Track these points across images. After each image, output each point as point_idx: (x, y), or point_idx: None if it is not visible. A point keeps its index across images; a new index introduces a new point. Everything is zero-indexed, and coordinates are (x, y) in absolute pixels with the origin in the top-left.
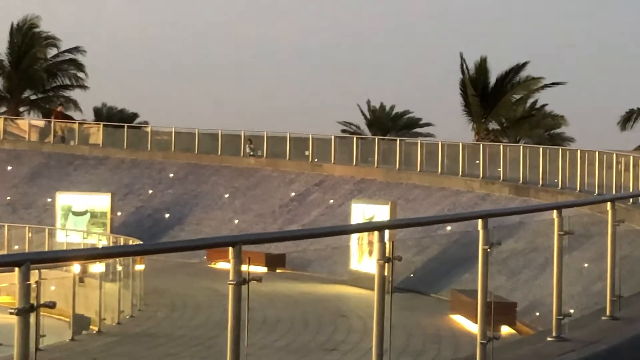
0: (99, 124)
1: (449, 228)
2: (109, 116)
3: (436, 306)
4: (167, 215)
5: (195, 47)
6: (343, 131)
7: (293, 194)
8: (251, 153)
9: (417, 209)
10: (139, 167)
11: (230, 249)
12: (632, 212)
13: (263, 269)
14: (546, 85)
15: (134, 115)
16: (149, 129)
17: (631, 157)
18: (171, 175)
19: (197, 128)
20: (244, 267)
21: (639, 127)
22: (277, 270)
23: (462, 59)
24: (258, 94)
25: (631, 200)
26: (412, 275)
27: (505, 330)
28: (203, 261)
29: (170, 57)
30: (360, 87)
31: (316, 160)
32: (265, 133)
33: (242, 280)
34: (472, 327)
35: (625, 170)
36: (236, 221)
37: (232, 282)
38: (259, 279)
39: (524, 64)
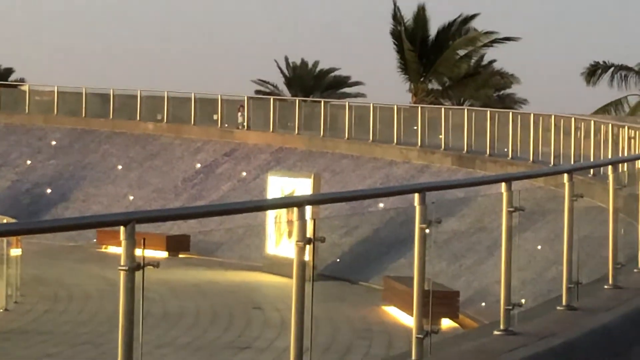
0: None
1: (381, 205)
2: None
3: (367, 296)
4: (48, 191)
5: None
6: (257, 92)
7: (199, 165)
8: (244, 123)
9: (345, 183)
10: (15, 134)
11: (122, 228)
12: (593, 185)
13: (163, 254)
14: (496, 41)
15: (8, 71)
16: (26, 88)
17: (592, 122)
18: (54, 143)
19: (84, 87)
20: (138, 251)
21: (604, 85)
22: (180, 255)
23: (396, 6)
24: (157, 48)
25: (592, 171)
26: (338, 260)
27: (447, 323)
28: (92, 244)
29: (54, 1)
30: (278, 40)
31: (226, 125)
32: (165, 93)
33: (135, 266)
34: (408, 320)
35: (585, 137)
36: (131, 197)
37: (123, 268)
38: (156, 264)
39: (473, 16)
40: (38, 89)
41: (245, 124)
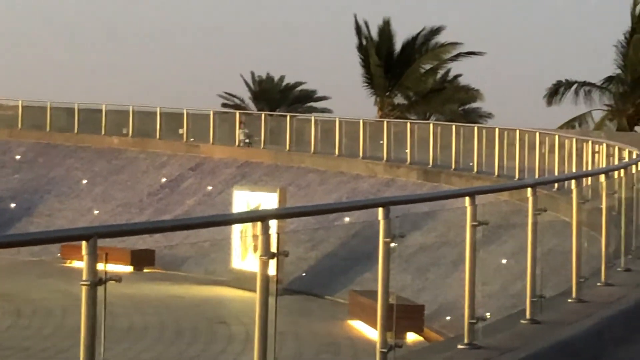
0: None
1: (347, 219)
2: None
3: (332, 310)
4: (12, 205)
5: (49, 3)
6: (224, 105)
7: (164, 179)
8: (246, 140)
9: (310, 197)
10: None
11: (84, 243)
12: (557, 199)
13: (128, 268)
14: (461, 54)
15: None
16: None
17: (556, 137)
18: (18, 157)
19: (49, 101)
20: (101, 266)
21: (568, 102)
22: (145, 270)
23: (357, 21)
24: (122, 62)
25: (556, 185)
26: (304, 274)
27: (412, 337)
28: (57, 259)
29: (18, 14)
30: (244, 54)
31: (192, 139)
32: (130, 108)
33: (97, 281)
34: (374, 334)
35: (549, 151)
36: (96, 212)
37: (85, 282)
38: (118, 278)
39: (438, 30)
40: (2, 103)
41: (248, 140)
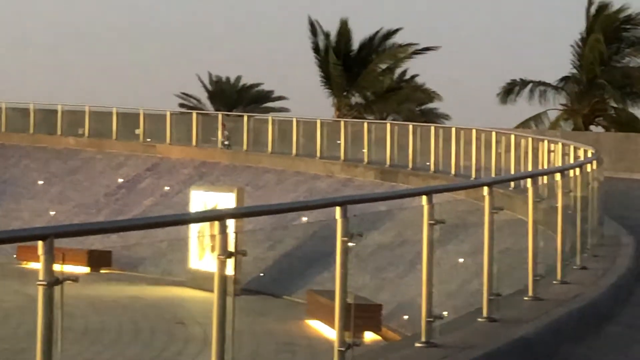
0: None
1: (305, 219)
2: None
3: (291, 310)
4: None
5: (2, 4)
6: (181, 105)
7: (121, 180)
8: (226, 142)
9: (268, 197)
10: None
11: (40, 243)
12: (514, 198)
13: (85, 269)
14: (416, 52)
15: None
16: None
17: (512, 136)
18: None
19: (3, 102)
20: (58, 267)
21: (523, 101)
22: (102, 271)
23: (311, 21)
24: (78, 62)
25: (512, 184)
26: (262, 274)
27: (370, 336)
28: (13, 260)
29: None
30: (201, 55)
31: (149, 140)
32: (87, 108)
33: (54, 281)
34: (332, 334)
35: (506, 151)
36: (52, 212)
37: (41, 283)
38: (75, 278)
39: (395, 31)
40: None
41: (227, 142)
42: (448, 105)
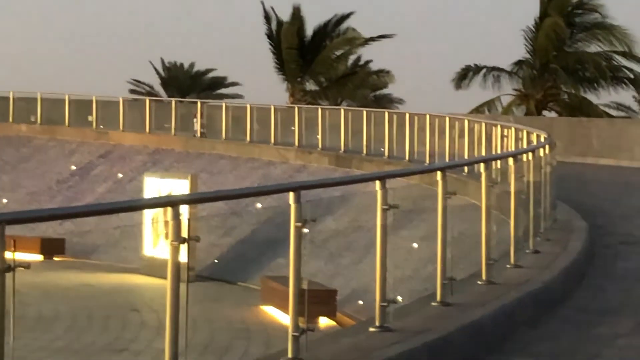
0: None
1: (259, 205)
2: None
3: (245, 296)
4: None
5: None
6: (132, 92)
7: (74, 167)
8: (202, 130)
9: (222, 183)
10: None
11: None
12: (467, 183)
13: (38, 257)
14: (371, 39)
15: None
16: None
17: (466, 121)
18: None
19: None
20: (10, 255)
21: (476, 87)
22: (56, 258)
23: (264, 7)
24: (29, 49)
25: (466, 169)
26: (216, 260)
27: (325, 321)
28: None
29: None
30: (154, 40)
31: (101, 127)
32: (39, 95)
33: (6, 268)
34: (286, 319)
35: (459, 136)
36: (4, 200)
37: None
38: (27, 265)
39: (348, 15)
40: None
41: (203, 131)
42: (403, 92)
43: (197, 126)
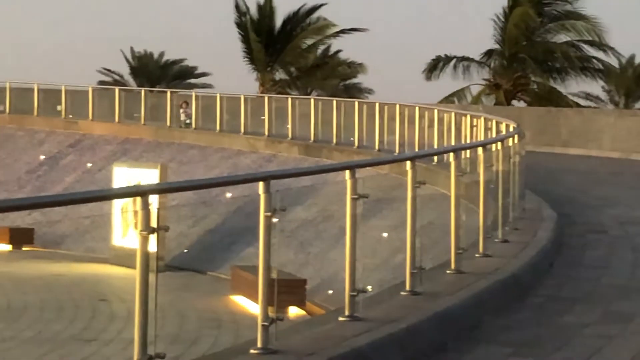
0: None
1: (229, 194)
2: None
3: (215, 286)
4: None
5: None
6: (101, 82)
7: (43, 156)
8: (187, 121)
9: (192, 173)
10: None
11: None
12: (437, 172)
13: (6, 247)
14: (343, 32)
15: None
16: None
17: (435, 111)
18: None
19: None
20: None
21: (447, 77)
22: (24, 248)
23: None
24: None
25: (435, 159)
26: (186, 250)
27: (294, 311)
28: None
29: None
30: (123, 29)
31: (71, 116)
32: (7, 84)
33: None
34: (256, 309)
35: (429, 126)
36: None
37: None
38: None
39: (319, 6)
40: None
41: (188, 121)
42: (372, 80)
43: (183, 116)
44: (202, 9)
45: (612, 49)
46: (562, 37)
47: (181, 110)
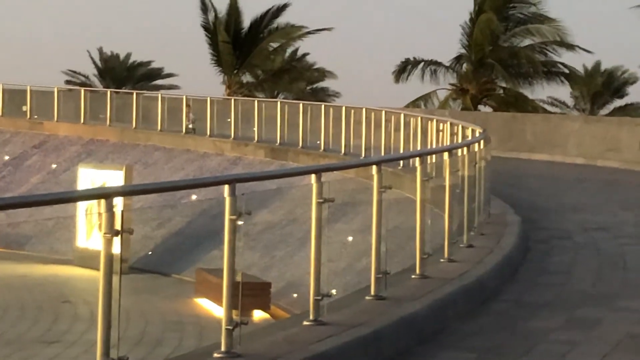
0: None
1: (194, 197)
2: None
3: (179, 288)
4: None
5: None
6: (68, 82)
7: (7, 157)
8: (190, 125)
9: (157, 175)
10: None
11: None
12: (402, 177)
13: None
14: (309, 32)
15: None
16: None
17: (402, 115)
18: None
19: None
20: None
21: (416, 80)
22: None
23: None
24: None
25: (401, 163)
26: (150, 252)
27: (259, 314)
28: None
29: None
30: (90, 31)
31: (36, 117)
32: None
33: None
34: (220, 312)
35: (395, 130)
36: None
37: None
38: None
39: (284, 7)
40: None
41: (192, 126)
42: (340, 83)
43: (187, 120)
44: (169, 10)
45: (577, 46)
46: (528, 42)
47: (186, 116)
